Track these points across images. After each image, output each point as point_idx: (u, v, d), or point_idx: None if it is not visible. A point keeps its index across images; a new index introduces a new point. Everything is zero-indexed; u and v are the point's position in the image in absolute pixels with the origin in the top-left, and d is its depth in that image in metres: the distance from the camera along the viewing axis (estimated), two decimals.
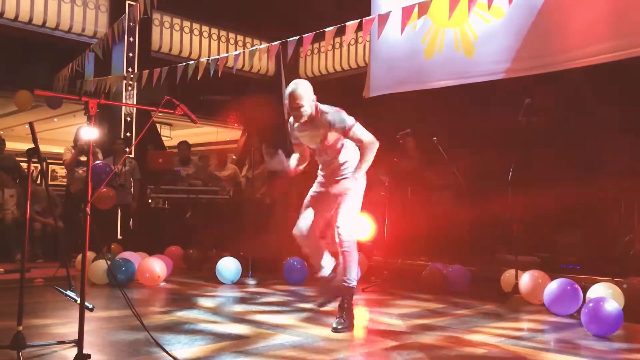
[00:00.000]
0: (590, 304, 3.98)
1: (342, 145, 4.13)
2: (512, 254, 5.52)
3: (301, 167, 4.40)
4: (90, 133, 3.21)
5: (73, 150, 7.59)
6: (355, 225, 4.12)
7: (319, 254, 4.23)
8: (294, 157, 4.34)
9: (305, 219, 4.15)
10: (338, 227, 4.01)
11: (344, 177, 4.08)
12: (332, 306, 4.44)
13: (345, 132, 3.96)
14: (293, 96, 3.90)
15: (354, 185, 4.00)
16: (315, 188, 4.27)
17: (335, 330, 3.87)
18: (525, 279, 5.14)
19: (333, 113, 3.98)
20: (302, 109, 3.91)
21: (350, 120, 3.96)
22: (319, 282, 4.35)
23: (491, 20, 6.77)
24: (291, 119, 4.21)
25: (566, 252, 6.31)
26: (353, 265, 4.04)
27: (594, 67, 5.90)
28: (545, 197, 5.96)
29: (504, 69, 6.64)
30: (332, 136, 4.03)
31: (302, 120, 4.00)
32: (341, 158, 4.14)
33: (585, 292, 4.65)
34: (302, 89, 3.92)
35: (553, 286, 4.68)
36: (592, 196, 5.81)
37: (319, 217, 4.17)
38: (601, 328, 3.90)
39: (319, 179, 4.30)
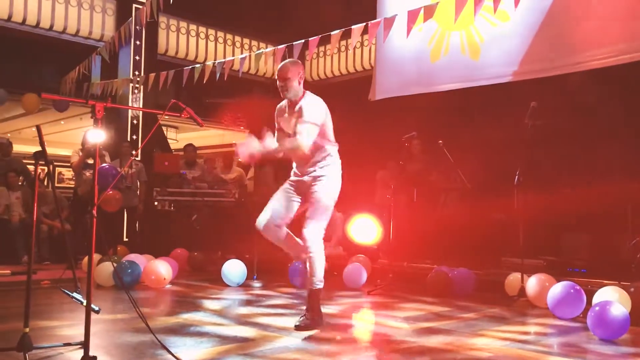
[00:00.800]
0: (597, 308, 3.96)
1: (320, 143, 4.08)
2: (518, 257, 5.50)
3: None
4: (98, 136, 3.23)
5: (81, 153, 7.62)
6: (320, 231, 4.07)
7: (287, 242, 4.21)
8: (270, 139, 4.19)
9: (265, 213, 4.11)
10: (304, 232, 4.02)
11: (320, 176, 4.07)
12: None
13: (299, 119, 3.98)
14: (282, 69, 4.06)
15: (329, 190, 4.06)
16: (286, 185, 4.24)
17: (296, 327, 3.92)
18: (532, 283, 5.12)
19: (310, 101, 4.05)
20: (287, 82, 4.03)
21: (312, 116, 3.97)
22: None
23: (497, 24, 6.77)
24: (279, 104, 4.27)
25: (572, 256, 6.29)
26: (318, 268, 4.05)
27: (601, 69, 5.89)
28: (552, 200, 5.94)
29: (510, 72, 6.64)
30: None
31: (287, 96, 4.09)
32: (317, 156, 4.10)
33: (591, 296, 4.63)
34: (293, 65, 4.09)
35: (556, 289, 4.66)
36: (598, 199, 5.78)
37: (281, 209, 4.13)
38: (607, 332, 3.88)
39: (292, 176, 4.27)
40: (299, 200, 4.17)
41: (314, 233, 4.02)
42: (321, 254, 4.05)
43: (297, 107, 4.07)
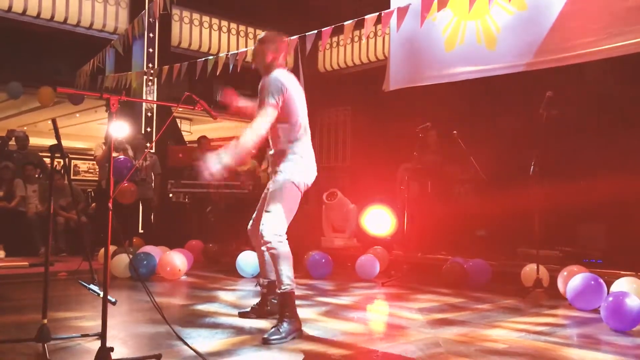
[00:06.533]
0: (610, 299, 3.93)
1: (279, 129, 3.66)
2: (534, 248, 5.47)
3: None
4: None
5: (104, 147, 7.65)
6: (280, 222, 3.56)
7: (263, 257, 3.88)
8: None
9: (254, 217, 3.91)
10: (261, 226, 3.56)
11: (280, 171, 3.66)
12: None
13: (260, 101, 3.61)
14: (258, 39, 3.81)
15: (287, 183, 3.59)
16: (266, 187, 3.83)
17: (264, 341, 3.30)
18: (564, 275, 5.06)
19: (273, 79, 3.60)
20: (255, 50, 3.81)
21: (273, 98, 3.52)
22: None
23: (514, 12, 6.68)
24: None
25: (588, 246, 6.24)
26: (284, 266, 3.51)
27: (618, 58, 5.80)
28: (567, 190, 5.90)
29: (526, 62, 6.56)
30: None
31: (254, 66, 3.89)
32: (280, 145, 3.69)
33: (608, 287, 4.59)
34: (269, 36, 3.79)
35: (576, 281, 4.62)
36: (614, 189, 5.72)
37: (259, 213, 3.82)
38: (621, 323, 3.85)
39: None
40: None
41: (268, 226, 3.53)
42: (284, 248, 3.53)
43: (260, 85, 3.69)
